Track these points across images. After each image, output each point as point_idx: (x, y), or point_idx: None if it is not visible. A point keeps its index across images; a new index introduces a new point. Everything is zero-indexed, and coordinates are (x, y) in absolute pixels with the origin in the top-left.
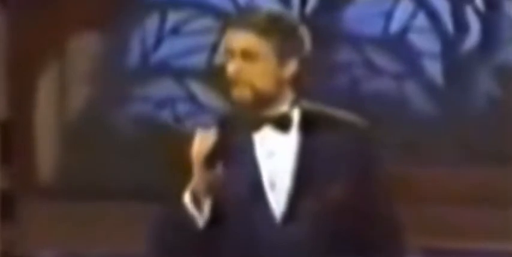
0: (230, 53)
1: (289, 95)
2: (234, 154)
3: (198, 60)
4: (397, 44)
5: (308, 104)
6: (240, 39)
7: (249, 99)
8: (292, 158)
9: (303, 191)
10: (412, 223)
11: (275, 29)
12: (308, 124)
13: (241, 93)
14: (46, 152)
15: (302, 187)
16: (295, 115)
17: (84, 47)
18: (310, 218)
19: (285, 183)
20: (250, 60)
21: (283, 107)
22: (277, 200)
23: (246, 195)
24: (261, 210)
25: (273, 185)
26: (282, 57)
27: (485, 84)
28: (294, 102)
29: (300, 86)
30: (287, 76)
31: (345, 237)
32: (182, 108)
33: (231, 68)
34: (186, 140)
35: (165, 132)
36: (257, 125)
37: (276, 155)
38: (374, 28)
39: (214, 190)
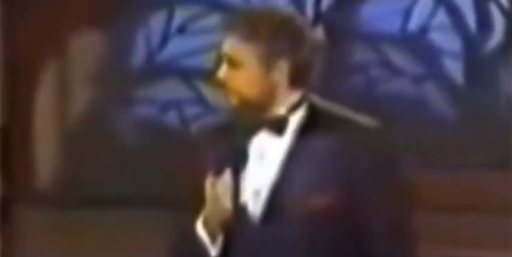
0: (222, 57)
1: (288, 97)
2: (231, 160)
3: (207, 59)
4: (416, 43)
5: (320, 104)
6: (225, 45)
7: (237, 106)
8: (278, 161)
9: (285, 197)
10: (425, 230)
11: (258, 32)
12: (311, 126)
13: (231, 100)
14: (45, 157)
15: (284, 192)
16: (296, 117)
17: (86, 47)
18: (291, 226)
19: (268, 187)
20: (236, 68)
21: (280, 110)
22: (258, 206)
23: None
24: (241, 218)
25: (257, 191)
26: (269, 61)
27: (508, 85)
28: (297, 104)
29: (305, 86)
30: (279, 79)
31: (335, 248)
32: (189, 110)
33: (219, 74)
34: (193, 144)
35: (171, 136)
36: (255, 129)
37: (265, 159)
38: (392, 26)
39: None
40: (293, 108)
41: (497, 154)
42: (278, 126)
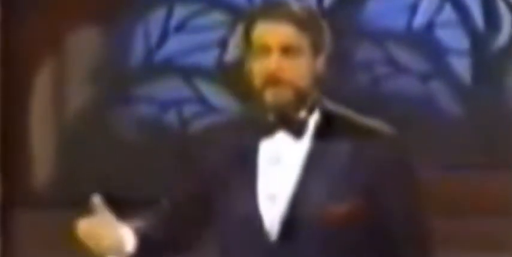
0: (265, 49)
1: (313, 97)
2: (237, 163)
3: (207, 57)
4: (422, 40)
5: (331, 107)
6: (279, 33)
7: (290, 100)
8: (298, 167)
9: (305, 203)
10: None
11: (310, 21)
12: (326, 130)
13: (281, 94)
14: (44, 157)
15: (305, 199)
16: (313, 120)
17: (85, 45)
18: (311, 236)
19: (287, 194)
20: (291, 56)
21: (302, 110)
22: (275, 214)
23: (241, 208)
24: (255, 225)
25: (272, 197)
26: (315, 53)
27: None
28: (315, 105)
29: (321, 87)
30: (318, 74)
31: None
32: (189, 109)
33: (271, 65)
34: (193, 144)
35: (171, 135)
36: (269, 130)
37: (282, 163)
38: (397, 23)
39: None
40: (310, 110)
41: (499, 154)
42: (298, 129)
